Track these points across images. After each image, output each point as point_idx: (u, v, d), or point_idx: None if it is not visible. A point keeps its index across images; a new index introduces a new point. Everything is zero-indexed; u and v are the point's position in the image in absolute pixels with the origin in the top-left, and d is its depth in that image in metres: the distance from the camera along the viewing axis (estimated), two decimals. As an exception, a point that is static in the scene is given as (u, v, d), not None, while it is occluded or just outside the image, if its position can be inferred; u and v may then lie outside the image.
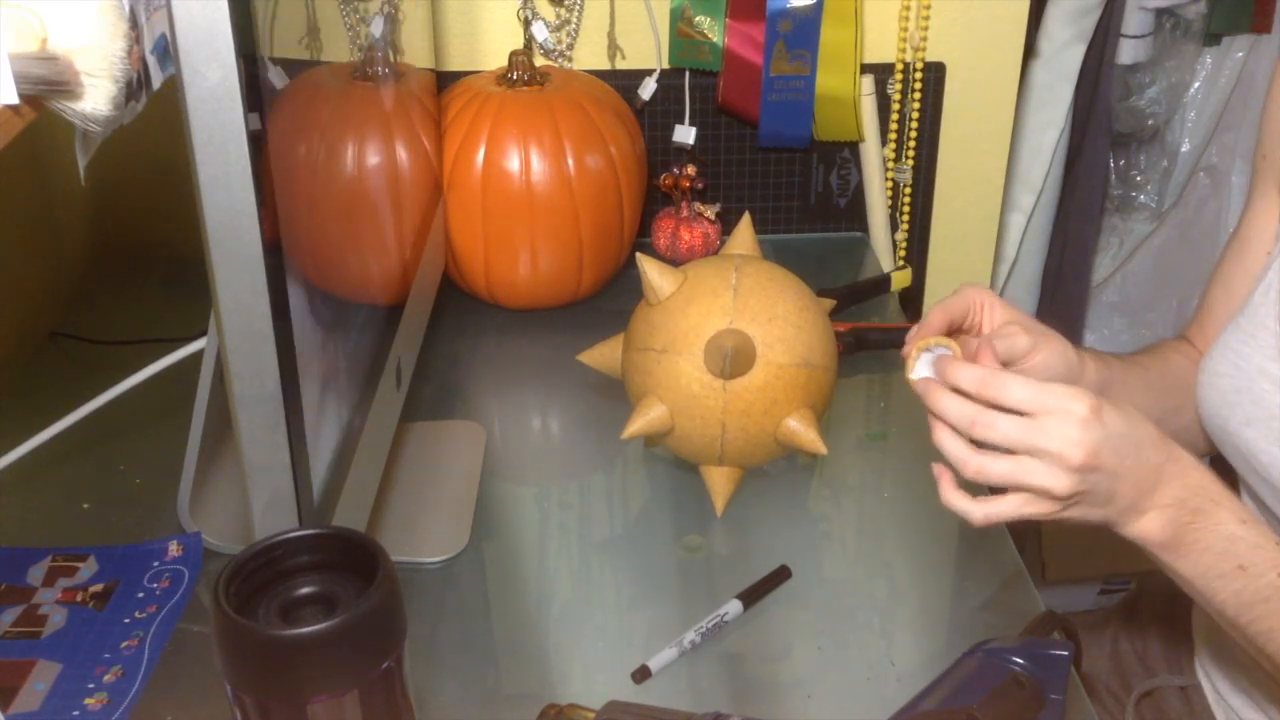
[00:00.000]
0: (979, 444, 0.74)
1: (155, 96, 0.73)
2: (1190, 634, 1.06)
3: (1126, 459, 0.72)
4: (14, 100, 0.60)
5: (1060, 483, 0.71)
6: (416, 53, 1.11)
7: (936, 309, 0.82)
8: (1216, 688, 1.00)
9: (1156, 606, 1.13)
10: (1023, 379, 0.72)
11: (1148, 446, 0.73)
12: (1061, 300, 1.78)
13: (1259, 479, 0.86)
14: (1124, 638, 1.14)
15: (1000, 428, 0.72)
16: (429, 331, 1.12)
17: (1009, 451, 0.73)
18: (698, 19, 1.31)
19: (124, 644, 0.86)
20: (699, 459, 0.99)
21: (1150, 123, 1.77)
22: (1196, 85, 1.76)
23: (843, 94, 1.32)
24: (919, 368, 0.78)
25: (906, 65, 1.38)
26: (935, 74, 1.39)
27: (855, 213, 1.46)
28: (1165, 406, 0.94)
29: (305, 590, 0.60)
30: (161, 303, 1.32)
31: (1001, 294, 1.71)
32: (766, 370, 0.94)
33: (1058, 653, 0.77)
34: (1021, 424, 0.72)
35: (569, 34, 1.35)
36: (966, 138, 1.45)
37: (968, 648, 0.79)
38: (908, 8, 1.36)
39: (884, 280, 1.34)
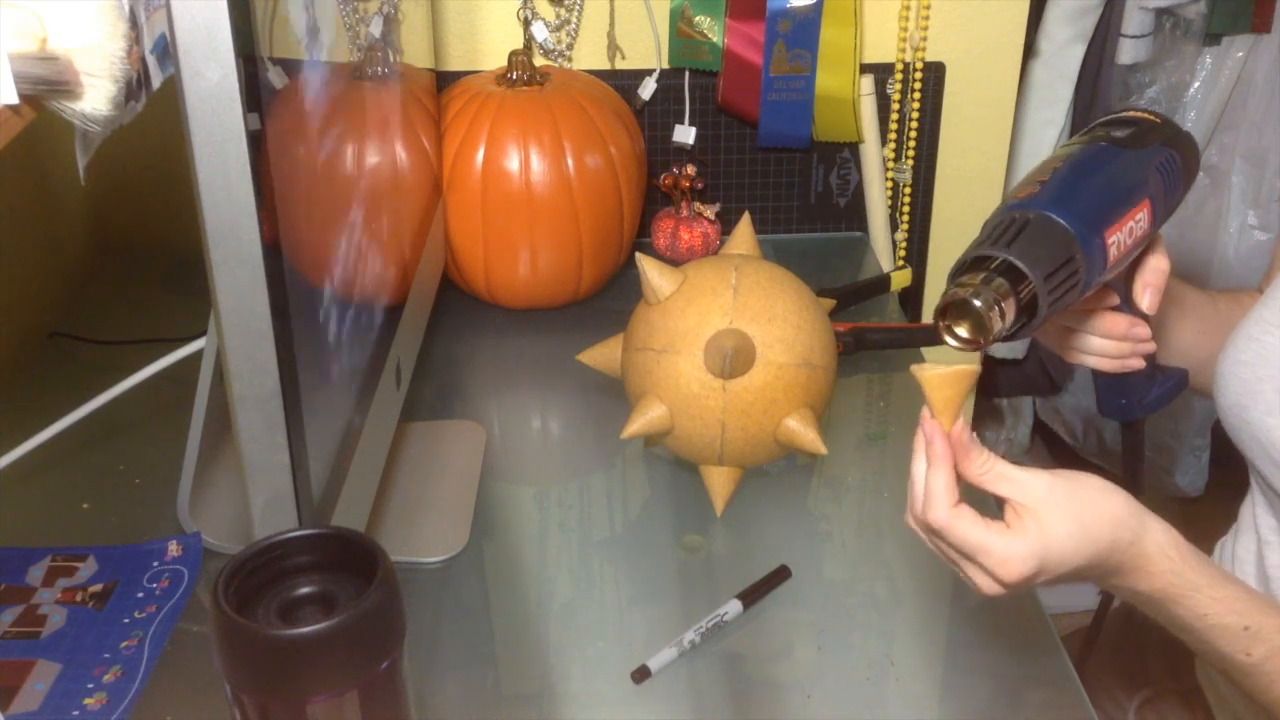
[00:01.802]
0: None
1: (155, 96, 0.73)
2: None
3: (1076, 562, 0.71)
4: (14, 100, 0.60)
5: (995, 588, 0.72)
6: (416, 53, 1.11)
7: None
8: (1221, 691, 1.00)
9: None
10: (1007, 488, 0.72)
11: (1104, 552, 0.72)
12: (1061, 300, 1.78)
13: (1275, 468, 0.86)
14: (1125, 642, 1.13)
15: (947, 539, 0.72)
16: (429, 331, 1.12)
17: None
18: (698, 19, 1.31)
19: (124, 644, 0.86)
20: (699, 459, 0.99)
21: (1150, 123, 1.77)
22: (1196, 85, 1.76)
23: (842, 94, 1.32)
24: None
25: (906, 65, 1.38)
26: (935, 74, 1.39)
27: (855, 213, 1.46)
28: (1216, 350, 0.94)
29: (305, 590, 0.60)
30: (161, 303, 1.32)
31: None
32: (766, 370, 0.94)
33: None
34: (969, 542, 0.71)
35: (569, 34, 1.35)
36: (966, 138, 1.45)
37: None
38: (908, 8, 1.36)
39: (884, 280, 1.34)
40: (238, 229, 0.59)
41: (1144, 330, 0.86)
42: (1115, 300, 0.86)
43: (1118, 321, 0.86)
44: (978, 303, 0.73)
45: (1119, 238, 0.78)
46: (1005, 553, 0.70)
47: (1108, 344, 0.87)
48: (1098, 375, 0.89)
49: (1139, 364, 0.87)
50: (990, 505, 0.74)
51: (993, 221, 0.78)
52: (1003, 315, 0.73)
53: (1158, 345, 0.89)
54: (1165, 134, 0.82)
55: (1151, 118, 0.83)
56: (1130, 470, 0.96)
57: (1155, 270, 0.84)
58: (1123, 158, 0.80)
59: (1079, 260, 0.75)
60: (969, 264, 0.76)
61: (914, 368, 0.73)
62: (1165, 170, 0.82)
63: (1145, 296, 0.85)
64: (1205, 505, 1.88)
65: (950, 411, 0.72)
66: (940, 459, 0.71)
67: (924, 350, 1.23)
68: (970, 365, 0.72)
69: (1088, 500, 0.71)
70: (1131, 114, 0.84)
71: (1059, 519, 0.70)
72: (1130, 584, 0.73)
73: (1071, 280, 0.75)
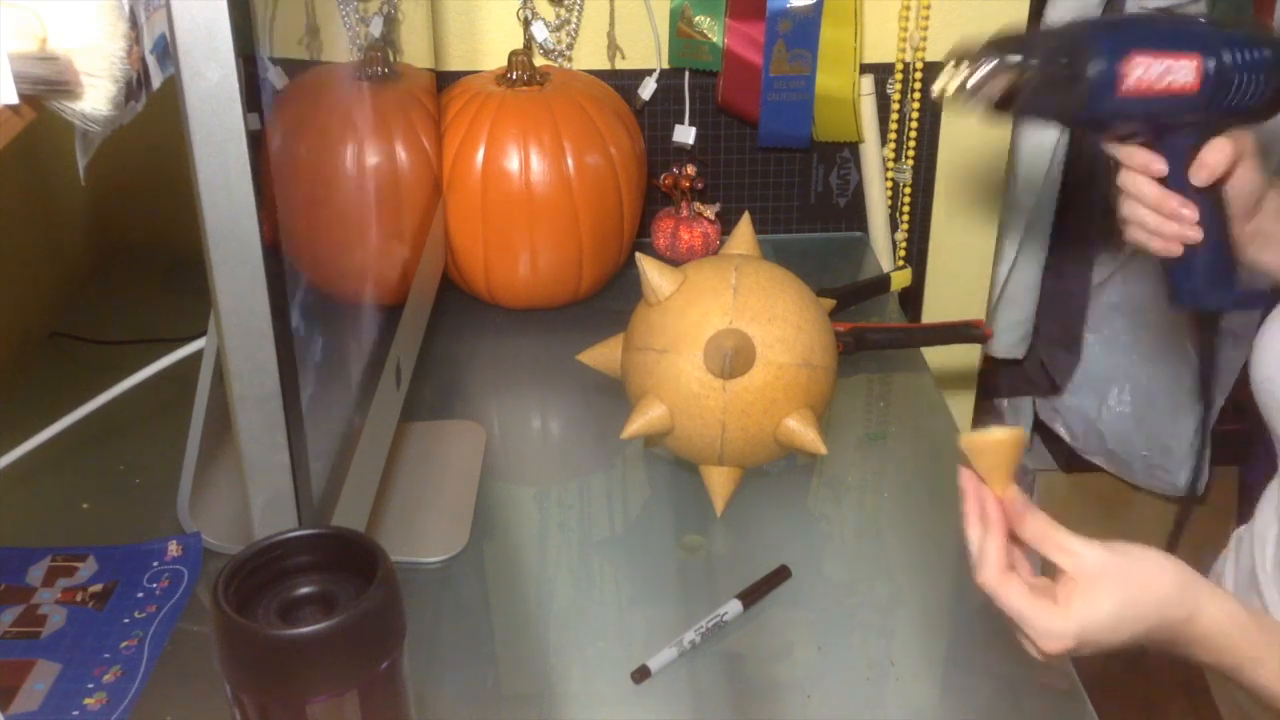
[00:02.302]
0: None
1: (155, 96, 0.73)
2: None
3: (1118, 640, 0.72)
4: (14, 100, 0.60)
5: (1038, 655, 0.73)
6: (416, 53, 1.11)
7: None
8: (1233, 695, 1.00)
9: None
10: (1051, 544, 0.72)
11: (1152, 630, 0.72)
12: (1061, 300, 1.78)
13: None
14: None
15: (995, 603, 0.73)
16: (429, 331, 1.12)
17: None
18: (698, 19, 1.31)
19: (123, 644, 0.86)
20: (699, 459, 0.99)
21: (1150, 122, 1.77)
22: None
23: (842, 94, 1.32)
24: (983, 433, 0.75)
25: (906, 65, 1.38)
26: (935, 74, 1.39)
27: (855, 213, 1.46)
28: None
29: (304, 590, 0.60)
30: (161, 303, 1.32)
31: (1001, 294, 1.71)
32: (766, 370, 0.94)
33: None
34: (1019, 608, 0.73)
35: (569, 34, 1.35)
36: (966, 138, 1.44)
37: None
38: (908, 8, 1.36)
39: (884, 280, 1.34)
40: (238, 229, 0.59)
41: (1190, 213, 0.87)
42: (1160, 167, 0.88)
43: (1153, 190, 0.88)
44: (970, 58, 0.87)
45: (1146, 69, 0.84)
46: (1044, 627, 0.71)
47: (1148, 216, 0.89)
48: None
49: (1177, 250, 0.89)
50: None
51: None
52: (980, 73, 0.86)
53: (1253, 255, 0.91)
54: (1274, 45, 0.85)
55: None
56: (1204, 379, 0.99)
57: (1216, 148, 0.86)
58: (1200, 24, 0.87)
59: (1084, 61, 0.84)
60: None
61: (962, 440, 0.73)
62: (1240, 49, 0.84)
63: (1198, 172, 0.86)
64: (1205, 505, 1.88)
65: (1001, 477, 0.73)
66: (993, 524, 0.72)
67: (966, 428, 1.22)
68: (1016, 430, 0.73)
69: (1140, 580, 0.71)
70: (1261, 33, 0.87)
71: (1105, 598, 0.70)
72: (1186, 655, 0.73)
73: (1067, 74, 0.84)
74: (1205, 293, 0.90)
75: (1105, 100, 0.84)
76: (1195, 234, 0.88)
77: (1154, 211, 0.88)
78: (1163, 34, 0.86)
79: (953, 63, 0.88)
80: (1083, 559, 0.71)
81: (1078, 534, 0.72)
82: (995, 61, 0.85)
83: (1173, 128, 0.86)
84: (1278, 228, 0.91)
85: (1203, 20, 0.89)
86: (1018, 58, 0.85)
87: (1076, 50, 0.84)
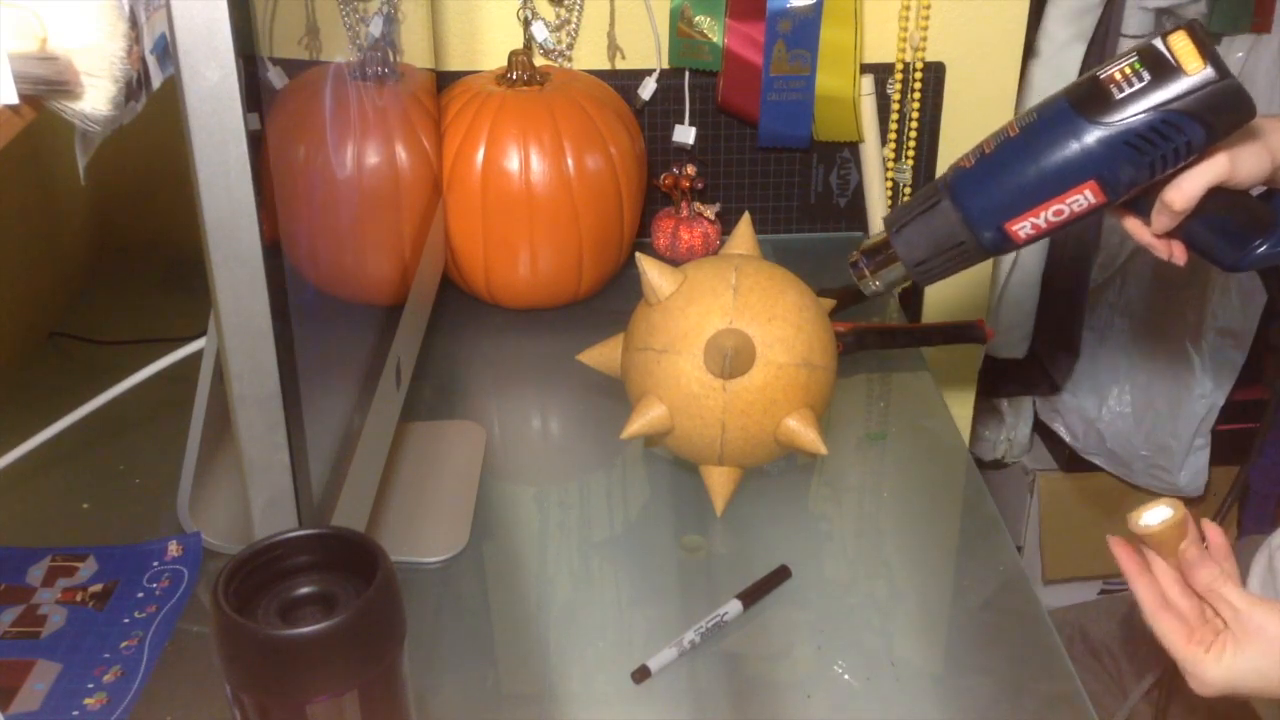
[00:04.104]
0: None
1: (155, 96, 0.73)
2: None
3: (1264, 689, 0.78)
4: (14, 100, 0.60)
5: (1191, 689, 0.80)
6: (416, 53, 1.11)
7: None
8: None
9: None
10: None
11: None
12: (1061, 300, 1.78)
13: None
14: (1139, 613, 1.14)
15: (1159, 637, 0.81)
16: (429, 331, 1.12)
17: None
18: (698, 19, 1.31)
19: (124, 644, 0.86)
20: (699, 459, 0.99)
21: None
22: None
23: (842, 94, 1.32)
24: (1147, 516, 0.83)
25: (906, 65, 1.38)
26: (935, 74, 1.39)
27: (855, 213, 1.46)
28: None
29: (304, 590, 0.60)
30: (161, 303, 1.32)
31: (1001, 294, 1.71)
32: (766, 370, 0.94)
33: None
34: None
35: (569, 34, 1.35)
36: (966, 138, 1.43)
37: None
38: (908, 8, 1.36)
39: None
40: (238, 229, 0.59)
41: (1179, 253, 0.87)
42: (1139, 230, 0.88)
43: (1139, 235, 0.88)
44: (857, 267, 0.92)
45: (1034, 221, 0.83)
46: (1195, 672, 0.78)
47: (1141, 231, 0.88)
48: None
49: (1181, 259, 0.88)
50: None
51: (928, 186, 0.89)
52: (878, 279, 0.92)
53: None
54: (1175, 91, 0.78)
55: (1177, 62, 0.78)
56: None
57: (1175, 196, 0.82)
58: (1076, 135, 0.80)
59: (969, 244, 0.85)
60: (888, 224, 0.91)
61: (1131, 523, 0.82)
62: (1145, 143, 0.79)
63: (1156, 218, 0.85)
64: (1205, 505, 1.88)
65: (1171, 552, 0.81)
66: (1138, 571, 0.82)
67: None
68: (1178, 514, 0.80)
69: None
70: (1162, 50, 0.78)
71: (1258, 655, 0.76)
72: None
73: (958, 258, 0.87)
74: (1237, 258, 0.87)
75: (1006, 250, 0.86)
76: (1180, 260, 0.88)
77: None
78: (1041, 181, 0.81)
79: (861, 265, 0.92)
80: (1242, 616, 0.77)
81: (1241, 589, 0.78)
82: (899, 272, 0.90)
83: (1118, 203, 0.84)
84: None
85: (1096, 95, 0.79)
86: (914, 259, 0.89)
87: (954, 244, 0.86)
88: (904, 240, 0.88)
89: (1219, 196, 0.83)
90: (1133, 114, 0.78)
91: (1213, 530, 0.83)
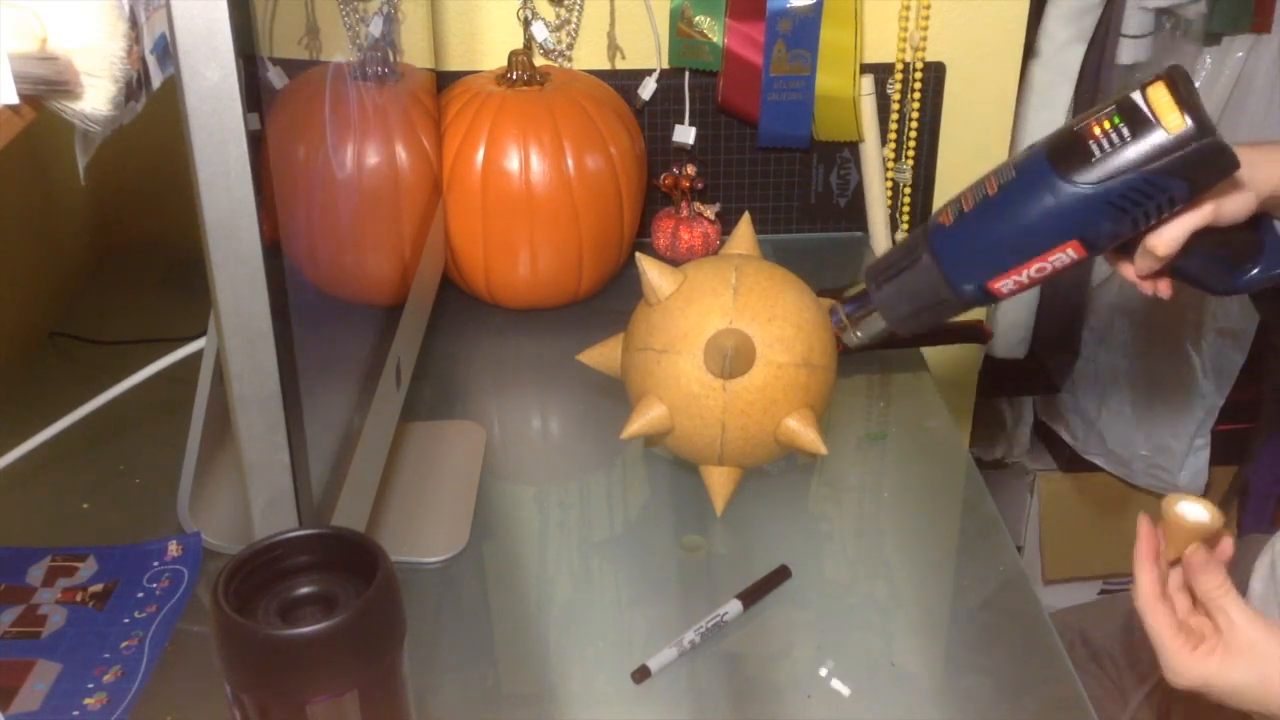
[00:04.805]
0: None
1: (155, 96, 0.73)
2: None
3: (1241, 705, 0.78)
4: (14, 100, 0.60)
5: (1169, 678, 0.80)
6: (416, 53, 1.11)
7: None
8: None
9: None
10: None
11: (1275, 709, 0.77)
12: (1061, 300, 1.78)
13: None
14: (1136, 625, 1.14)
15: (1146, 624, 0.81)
16: (429, 331, 1.12)
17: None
18: (698, 19, 1.31)
19: (124, 644, 0.86)
20: (699, 459, 0.99)
21: (1150, 122, 1.76)
22: (1196, 85, 1.76)
23: (842, 94, 1.32)
24: (1185, 505, 0.82)
25: (906, 65, 1.38)
26: (935, 74, 1.39)
27: (855, 213, 1.46)
28: None
29: (304, 590, 0.60)
30: (161, 303, 1.32)
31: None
32: (766, 370, 0.94)
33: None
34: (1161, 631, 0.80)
35: (569, 34, 1.35)
36: (966, 138, 1.44)
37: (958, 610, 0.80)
38: (908, 8, 1.36)
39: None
40: (238, 229, 0.59)
41: (1164, 289, 0.88)
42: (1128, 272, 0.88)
43: (1126, 273, 0.88)
44: (838, 318, 0.94)
45: (1017, 279, 0.83)
46: (1174, 665, 0.78)
47: (1127, 270, 0.88)
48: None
49: (1166, 293, 0.89)
50: None
51: (907, 240, 0.89)
52: (859, 330, 0.93)
53: None
54: (1154, 150, 0.76)
55: (1156, 118, 0.76)
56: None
57: (1158, 244, 0.82)
58: (1055, 196, 0.78)
59: (951, 300, 0.86)
60: (869, 273, 0.91)
61: (1168, 503, 0.81)
62: (1127, 202, 0.77)
63: (1139, 262, 0.85)
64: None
65: (1179, 547, 0.81)
66: (1148, 559, 0.81)
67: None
68: (1215, 522, 0.79)
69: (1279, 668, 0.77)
70: (1140, 105, 0.76)
71: (1242, 670, 0.77)
72: None
73: (940, 312, 0.87)
74: (1229, 286, 0.88)
75: (995, 301, 0.86)
76: (1165, 294, 0.89)
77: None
78: (1023, 242, 0.81)
79: (841, 316, 0.94)
80: (1236, 629, 0.77)
81: (1242, 603, 0.78)
82: (879, 325, 0.92)
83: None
84: None
85: (1077, 155, 0.78)
86: (895, 315, 0.90)
87: (935, 301, 0.87)
88: (885, 296, 0.90)
89: (1205, 235, 0.83)
90: (1112, 173, 0.77)
91: (1226, 543, 0.83)
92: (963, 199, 0.84)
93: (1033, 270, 0.82)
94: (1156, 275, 0.88)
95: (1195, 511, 0.80)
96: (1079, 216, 0.78)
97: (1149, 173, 0.76)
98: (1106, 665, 1.14)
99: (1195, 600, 0.81)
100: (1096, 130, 0.77)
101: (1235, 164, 0.77)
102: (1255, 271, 0.86)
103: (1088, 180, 0.77)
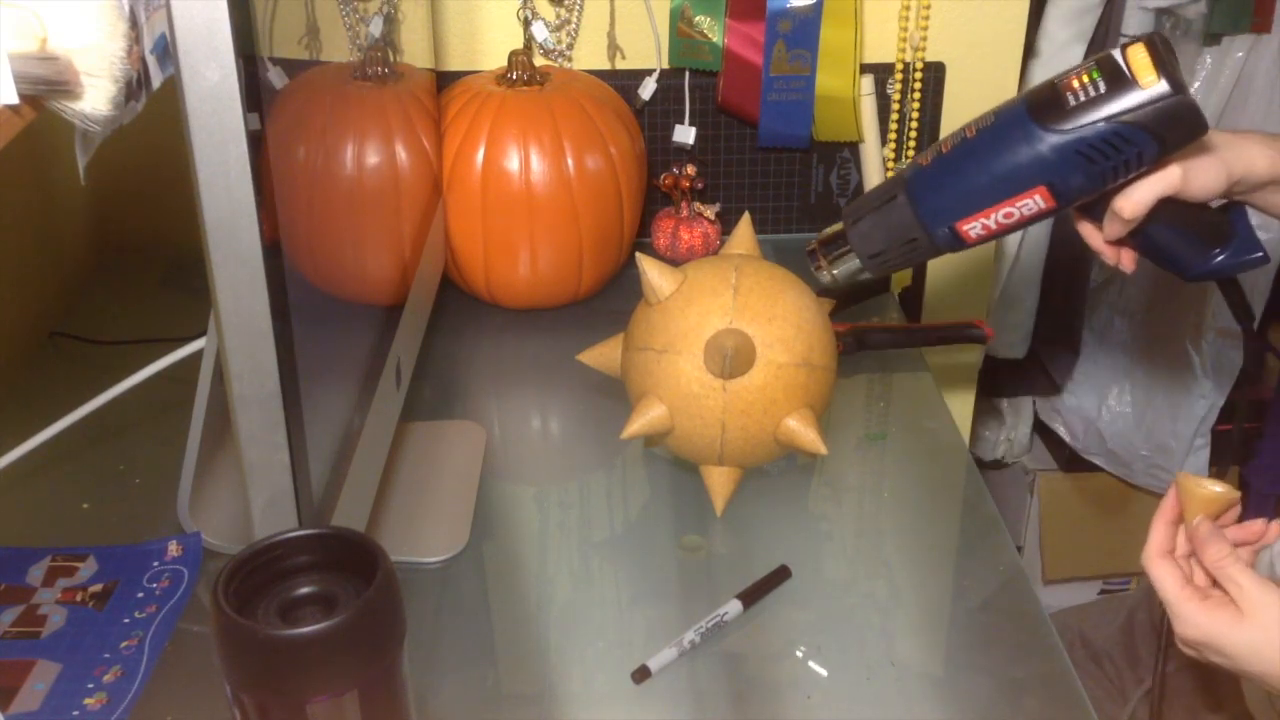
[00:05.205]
0: None
1: (155, 96, 0.73)
2: None
3: (1245, 668, 0.78)
4: (14, 100, 0.60)
5: (1180, 642, 0.81)
6: (416, 53, 1.11)
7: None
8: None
9: None
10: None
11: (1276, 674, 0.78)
12: (1061, 300, 1.78)
13: None
14: (1140, 616, 1.14)
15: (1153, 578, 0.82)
16: (429, 331, 1.12)
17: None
18: (698, 19, 1.31)
19: (124, 644, 0.86)
20: (699, 459, 0.99)
21: (1150, 122, 1.77)
22: (1196, 85, 1.76)
23: (842, 94, 1.32)
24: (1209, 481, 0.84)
25: (906, 65, 1.38)
26: (935, 74, 1.39)
27: (855, 213, 1.46)
28: None
29: (304, 590, 0.60)
30: (161, 303, 1.32)
31: (1001, 293, 1.71)
32: (766, 370, 0.94)
33: None
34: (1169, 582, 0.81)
35: (569, 34, 1.35)
36: (966, 138, 1.44)
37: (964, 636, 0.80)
38: (908, 8, 1.36)
39: (884, 280, 1.34)
40: (238, 229, 0.59)
41: (1126, 261, 0.90)
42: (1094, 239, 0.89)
43: (1092, 240, 0.89)
44: (813, 258, 0.95)
45: (984, 222, 0.85)
46: (1183, 615, 0.79)
47: (1093, 236, 0.89)
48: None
49: (1129, 267, 0.91)
50: None
51: (887, 180, 0.91)
52: (835, 268, 0.94)
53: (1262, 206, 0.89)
54: (1127, 104, 0.79)
55: (1132, 75, 0.79)
56: (1244, 330, 0.99)
57: (1114, 223, 0.85)
58: (1028, 141, 0.81)
59: (922, 240, 0.87)
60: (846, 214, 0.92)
61: (1179, 478, 0.83)
62: (1095, 152, 0.80)
63: (1107, 225, 0.86)
64: (1242, 271, 1.87)
65: (1193, 515, 0.83)
66: (1166, 517, 0.83)
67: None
68: (1233, 494, 0.83)
69: None
70: (1119, 61, 0.79)
71: (1246, 630, 0.77)
72: None
73: (911, 253, 0.89)
74: (1194, 267, 0.89)
75: (958, 248, 0.88)
76: (1128, 267, 0.91)
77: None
78: (994, 184, 0.83)
79: (818, 255, 0.95)
80: (1245, 592, 0.78)
81: (1250, 570, 0.79)
82: (854, 264, 0.93)
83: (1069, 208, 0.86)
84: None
85: (1052, 101, 0.81)
86: (868, 251, 0.91)
87: (907, 239, 0.88)
88: (859, 233, 0.91)
89: (1174, 207, 0.84)
90: (1085, 123, 0.80)
91: (1233, 517, 0.85)
92: (943, 142, 0.87)
93: (1000, 214, 0.84)
94: (1121, 244, 0.89)
95: (1209, 484, 0.82)
96: (1049, 162, 0.81)
97: (1120, 123, 0.79)
98: (1106, 665, 1.14)
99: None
100: (1075, 83, 0.80)
101: (1204, 126, 0.79)
102: (1222, 257, 0.88)
103: (1061, 128, 0.80)
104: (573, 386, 1.18)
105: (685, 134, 1.38)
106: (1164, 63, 0.78)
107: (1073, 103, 0.80)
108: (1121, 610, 1.18)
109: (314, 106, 0.74)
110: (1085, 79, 0.80)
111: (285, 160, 0.65)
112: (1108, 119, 0.79)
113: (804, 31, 1.29)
